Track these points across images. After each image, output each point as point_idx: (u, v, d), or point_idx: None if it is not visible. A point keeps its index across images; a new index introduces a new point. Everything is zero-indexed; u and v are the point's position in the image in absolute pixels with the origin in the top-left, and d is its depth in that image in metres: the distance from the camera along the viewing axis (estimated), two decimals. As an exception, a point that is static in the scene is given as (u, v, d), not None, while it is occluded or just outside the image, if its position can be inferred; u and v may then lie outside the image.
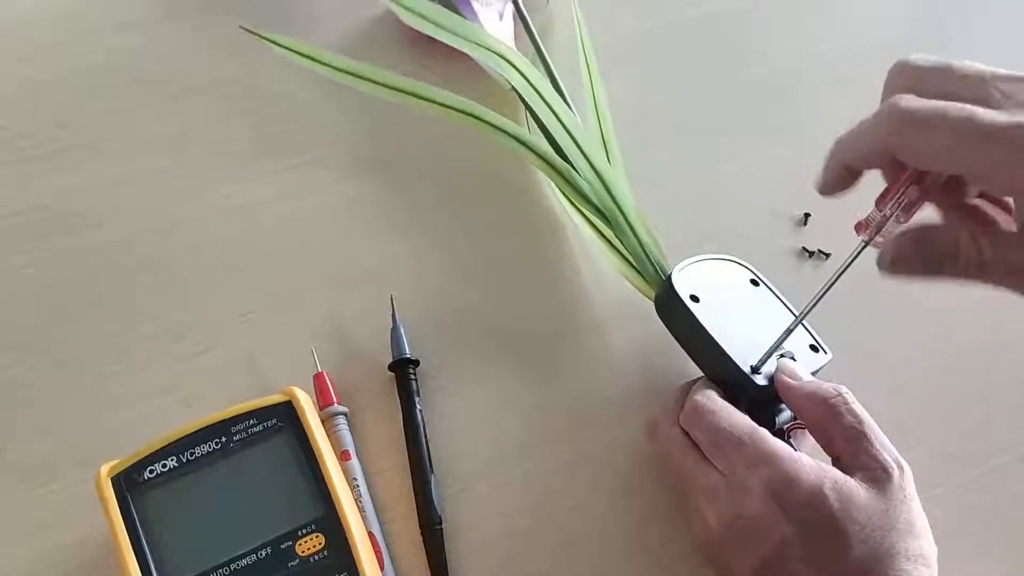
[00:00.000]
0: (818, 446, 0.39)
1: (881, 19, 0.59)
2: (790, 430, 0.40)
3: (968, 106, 0.29)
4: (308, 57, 0.50)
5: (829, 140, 0.52)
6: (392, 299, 0.45)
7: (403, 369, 0.43)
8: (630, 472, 0.42)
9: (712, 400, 0.38)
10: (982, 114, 0.29)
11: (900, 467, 0.36)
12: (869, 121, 0.32)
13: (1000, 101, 0.29)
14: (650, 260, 0.45)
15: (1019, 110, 0.29)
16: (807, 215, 0.50)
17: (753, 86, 0.55)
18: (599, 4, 0.56)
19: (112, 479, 0.37)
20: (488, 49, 0.49)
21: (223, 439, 0.38)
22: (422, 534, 0.40)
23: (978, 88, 0.30)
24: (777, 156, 0.53)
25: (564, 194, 0.48)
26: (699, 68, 0.56)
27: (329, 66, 0.49)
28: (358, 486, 0.40)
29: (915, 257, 0.33)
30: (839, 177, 0.34)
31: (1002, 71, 0.31)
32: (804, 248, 0.49)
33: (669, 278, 0.41)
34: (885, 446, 0.36)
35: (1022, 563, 0.41)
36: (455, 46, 0.50)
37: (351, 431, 0.42)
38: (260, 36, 0.50)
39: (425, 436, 0.42)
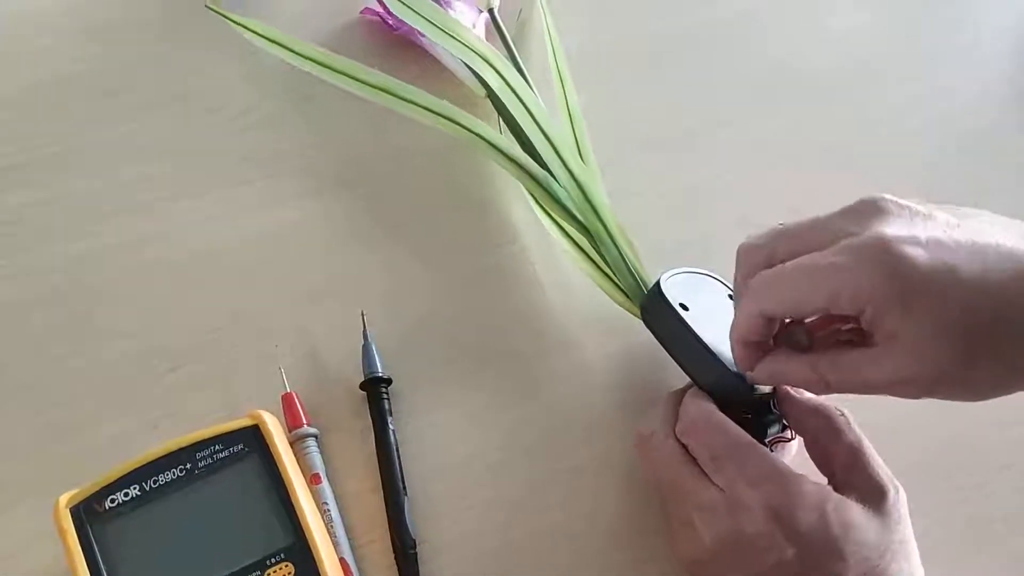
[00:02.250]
0: (799, 460, 0.38)
1: (856, 35, 0.59)
2: (773, 443, 0.39)
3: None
4: (282, 46, 0.48)
5: (798, 151, 0.52)
6: (363, 316, 0.44)
7: (375, 388, 0.42)
8: (606, 491, 0.42)
9: (712, 413, 0.37)
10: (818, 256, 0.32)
11: (896, 488, 0.36)
12: (741, 309, 0.35)
13: (834, 239, 0.32)
14: (630, 270, 0.44)
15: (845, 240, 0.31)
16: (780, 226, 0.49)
17: (724, 98, 0.55)
18: (571, 18, 0.56)
19: (71, 509, 0.35)
20: (469, 47, 0.48)
21: (187, 466, 0.37)
22: (396, 558, 0.39)
23: (815, 237, 0.33)
24: (747, 167, 0.52)
25: (539, 202, 0.48)
26: (670, 81, 0.56)
27: (303, 56, 0.48)
28: (329, 510, 0.39)
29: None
30: (750, 353, 0.36)
31: (824, 215, 0.33)
32: (778, 258, 0.49)
33: (658, 284, 0.41)
34: (882, 467, 0.36)
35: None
36: (437, 41, 0.49)
37: (321, 453, 0.41)
38: (229, 19, 0.48)
39: (398, 456, 0.41)
